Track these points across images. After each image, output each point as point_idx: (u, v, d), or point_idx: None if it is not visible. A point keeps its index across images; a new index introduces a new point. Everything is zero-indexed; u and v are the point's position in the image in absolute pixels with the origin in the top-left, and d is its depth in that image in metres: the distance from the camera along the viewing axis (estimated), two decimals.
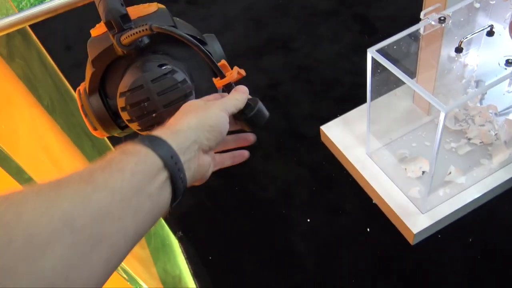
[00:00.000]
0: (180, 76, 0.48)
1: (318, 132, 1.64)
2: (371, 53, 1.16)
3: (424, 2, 1.24)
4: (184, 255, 1.43)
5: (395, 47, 1.21)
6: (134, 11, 0.52)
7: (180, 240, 1.47)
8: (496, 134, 1.42)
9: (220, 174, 1.70)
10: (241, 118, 0.56)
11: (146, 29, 0.46)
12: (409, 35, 1.19)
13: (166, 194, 0.41)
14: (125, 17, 0.47)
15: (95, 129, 0.57)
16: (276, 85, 1.89)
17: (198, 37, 0.55)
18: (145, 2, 0.58)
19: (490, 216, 1.35)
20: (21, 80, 0.53)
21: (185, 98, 0.49)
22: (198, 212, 1.55)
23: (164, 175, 0.41)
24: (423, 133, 1.51)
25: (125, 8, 0.48)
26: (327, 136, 1.58)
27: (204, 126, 0.46)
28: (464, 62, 1.40)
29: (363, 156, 1.50)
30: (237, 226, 1.49)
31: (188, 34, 0.48)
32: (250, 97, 0.58)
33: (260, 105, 0.57)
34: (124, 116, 0.48)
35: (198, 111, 0.46)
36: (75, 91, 0.59)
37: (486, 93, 1.49)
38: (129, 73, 0.48)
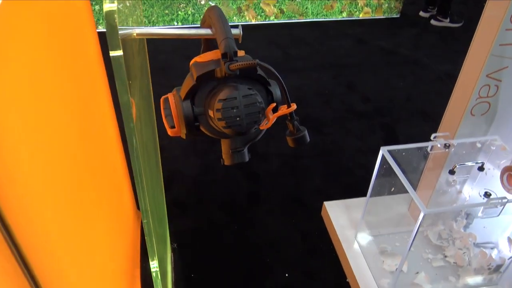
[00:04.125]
0: (259, 98, 0.73)
1: (320, 207, 1.85)
2: (383, 151, 1.40)
3: (439, 127, 1.50)
4: (171, 265, 1.60)
5: (404, 155, 1.44)
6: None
7: (173, 250, 1.65)
8: (469, 260, 1.60)
9: (225, 210, 1.91)
10: (290, 136, 0.79)
11: (254, 63, 0.71)
12: (419, 151, 1.43)
13: None
14: (236, 53, 0.73)
15: (173, 127, 0.80)
16: (299, 158, 2.14)
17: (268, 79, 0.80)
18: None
19: None
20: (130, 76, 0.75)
21: (258, 113, 0.73)
22: (196, 234, 1.74)
23: None
24: (408, 237, 1.69)
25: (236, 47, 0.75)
26: (327, 212, 1.79)
27: None
28: (458, 189, 1.62)
29: (352, 238, 1.68)
30: (223, 258, 1.66)
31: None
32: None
33: (306, 132, 0.80)
34: (217, 115, 0.71)
35: None
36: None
37: (471, 222, 1.69)
38: (226, 88, 0.72)
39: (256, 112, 0.72)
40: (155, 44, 2.95)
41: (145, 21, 3.27)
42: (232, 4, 3.31)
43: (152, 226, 0.87)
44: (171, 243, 1.65)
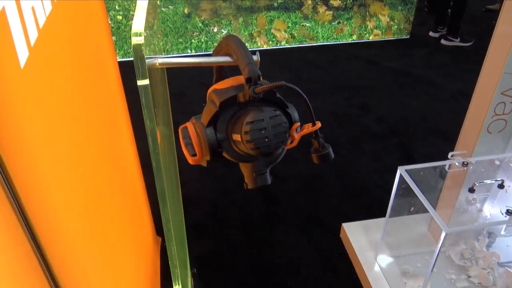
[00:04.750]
0: (284, 118, 0.75)
1: (338, 227, 1.84)
2: (401, 171, 1.40)
3: (456, 145, 1.50)
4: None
5: (422, 174, 1.44)
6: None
7: (192, 275, 1.65)
8: (493, 280, 1.56)
9: (243, 232, 1.90)
10: (315, 153, 0.81)
11: (280, 84, 0.74)
12: (437, 170, 1.43)
13: None
14: (259, 77, 0.76)
15: (194, 155, 0.82)
16: (316, 178, 2.14)
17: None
18: None
19: None
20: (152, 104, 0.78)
21: (285, 133, 0.75)
22: (215, 257, 1.74)
23: None
24: (430, 258, 1.67)
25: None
26: (346, 234, 1.78)
27: None
28: (479, 207, 1.60)
29: (372, 260, 1.67)
30: (243, 280, 1.65)
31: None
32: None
33: (330, 149, 0.81)
34: (245, 138, 0.73)
35: None
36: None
37: (494, 241, 1.66)
38: (252, 112, 0.74)
39: (283, 132, 0.74)
40: (169, 70, 3.01)
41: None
42: (243, 31, 3.39)
43: (175, 251, 0.88)
44: (191, 268, 1.66)
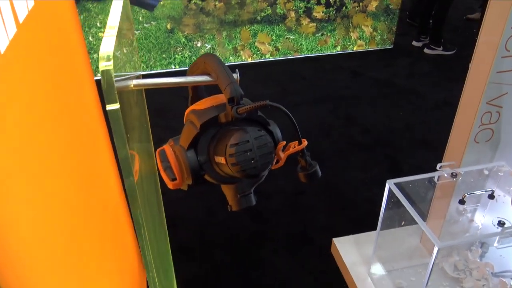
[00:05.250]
0: (269, 138, 0.71)
1: (328, 243, 1.80)
2: (389, 185, 1.37)
3: (443, 156, 1.48)
4: None
5: (411, 186, 1.42)
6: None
7: None
8: None
9: (231, 252, 1.85)
10: (303, 171, 0.77)
11: (264, 104, 0.71)
12: (426, 181, 1.41)
13: None
14: (242, 96, 0.73)
15: (174, 180, 0.78)
16: (301, 194, 2.11)
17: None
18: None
19: None
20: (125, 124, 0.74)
21: (271, 154, 0.71)
22: (204, 281, 1.68)
23: None
24: (423, 271, 1.64)
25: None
26: (337, 249, 1.74)
27: None
28: (470, 217, 1.58)
29: (365, 275, 1.63)
30: None
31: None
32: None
33: (317, 167, 0.78)
34: (230, 160, 0.69)
35: None
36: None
37: (487, 251, 1.64)
38: (236, 133, 0.70)
39: (268, 153, 0.71)
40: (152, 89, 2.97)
41: (143, 66, 3.32)
42: (227, 45, 3.37)
43: (157, 280, 0.83)
44: None
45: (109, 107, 0.60)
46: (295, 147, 0.77)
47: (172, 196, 2.09)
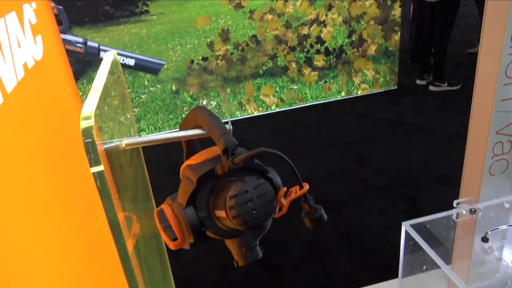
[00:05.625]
0: (269, 186, 0.68)
1: None
2: (405, 227, 1.30)
3: (460, 192, 1.42)
4: None
5: (429, 227, 1.34)
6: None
7: None
8: None
9: None
10: (307, 216, 0.73)
11: (259, 152, 0.68)
12: (445, 221, 1.34)
13: None
14: (236, 146, 0.71)
15: (175, 239, 0.74)
16: (321, 242, 2.02)
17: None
18: None
19: None
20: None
21: (272, 201, 0.68)
22: None
23: None
24: None
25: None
26: None
27: None
28: (497, 256, 1.48)
29: None
30: None
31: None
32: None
33: (322, 211, 0.74)
34: (231, 213, 0.66)
35: None
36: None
37: None
38: (233, 184, 0.68)
39: (270, 201, 0.68)
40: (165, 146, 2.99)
41: (151, 128, 3.37)
42: (232, 100, 3.42)
43: None
44: None
45: (93, 169, 0.58)
46: (296, 192, 0.74)
47: (183, 257, 2.03)
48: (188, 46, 3.24)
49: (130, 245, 0.68)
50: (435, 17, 3.41)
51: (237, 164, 0.70)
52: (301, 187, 0.74)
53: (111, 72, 0.82)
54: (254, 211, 0.66)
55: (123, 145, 0.81)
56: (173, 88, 3.30)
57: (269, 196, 0.68)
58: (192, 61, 3.26)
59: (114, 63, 0.92)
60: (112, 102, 0.76)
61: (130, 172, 0.87)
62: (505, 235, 1.42)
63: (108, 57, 0.88)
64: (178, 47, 3.23)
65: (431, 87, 3.60)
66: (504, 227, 1.31)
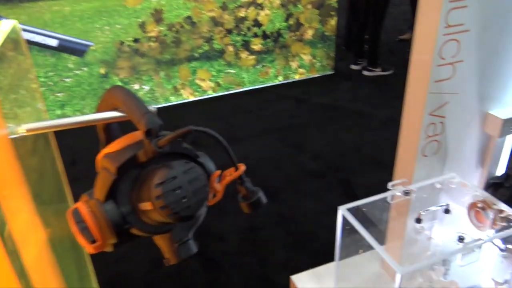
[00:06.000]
0: (200, 170, 0.61)
1: (288, 281, 1.67)
2: (342, 211, 1.28)
3: (394, 174, 1.42)
4: None
5: (365, 210, 1.34)
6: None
7: None
8: None
9: None
10: (245, 200, 0.66)
11: (188, 130, 0.60)
12: (380, 203, 1.33)
13: None
14: (161, 127, 0.61)
15: (94, 242, 0.64)
16: (257, 230, 1.98)
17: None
18: None
19: None
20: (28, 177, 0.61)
21: (204, 187, 0.60)
22: None
23: None
24: None
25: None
26: (296, 287, 1.61)
27: None
28: (428, 235, 1.51)
29: None
30: None
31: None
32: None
33: (261, 193, 0.67)
34: (158, 204, 0.57)
35: None
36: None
37: (450, 268, 1.56)
38: (158, 171, 0.59)
39: (202, 187, 0.59)
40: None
41: (77, 114, 3.13)
42: (166, 84, 3.26)
43: None
44: None
45: None
46: (231, 174, 0.67)
47: (111, 255, 1.89)
48: (118, 26, 3.03)
49: (30, 255, 0.57)
50: (370, 4, 3.47)
51: (163, 148, 0.61)
52: (237, 168, 0.67)
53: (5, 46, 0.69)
54: (184, 199, 0.58)
55: (23, 131, 0.69)
56: (102, 71, 3.08)
57: (201, 181, 0.60)
58: (122, 43, 3.06)
59: (13, 35, 0.78)
60: (3, 81, 0.64)
61: (33, 163, 0.74)
62: (436, 215, 1.45)
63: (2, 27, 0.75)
64: (107, 27, 3.01)
65: (364, 72, 3.68)
66: (435, 208, 1.34)
